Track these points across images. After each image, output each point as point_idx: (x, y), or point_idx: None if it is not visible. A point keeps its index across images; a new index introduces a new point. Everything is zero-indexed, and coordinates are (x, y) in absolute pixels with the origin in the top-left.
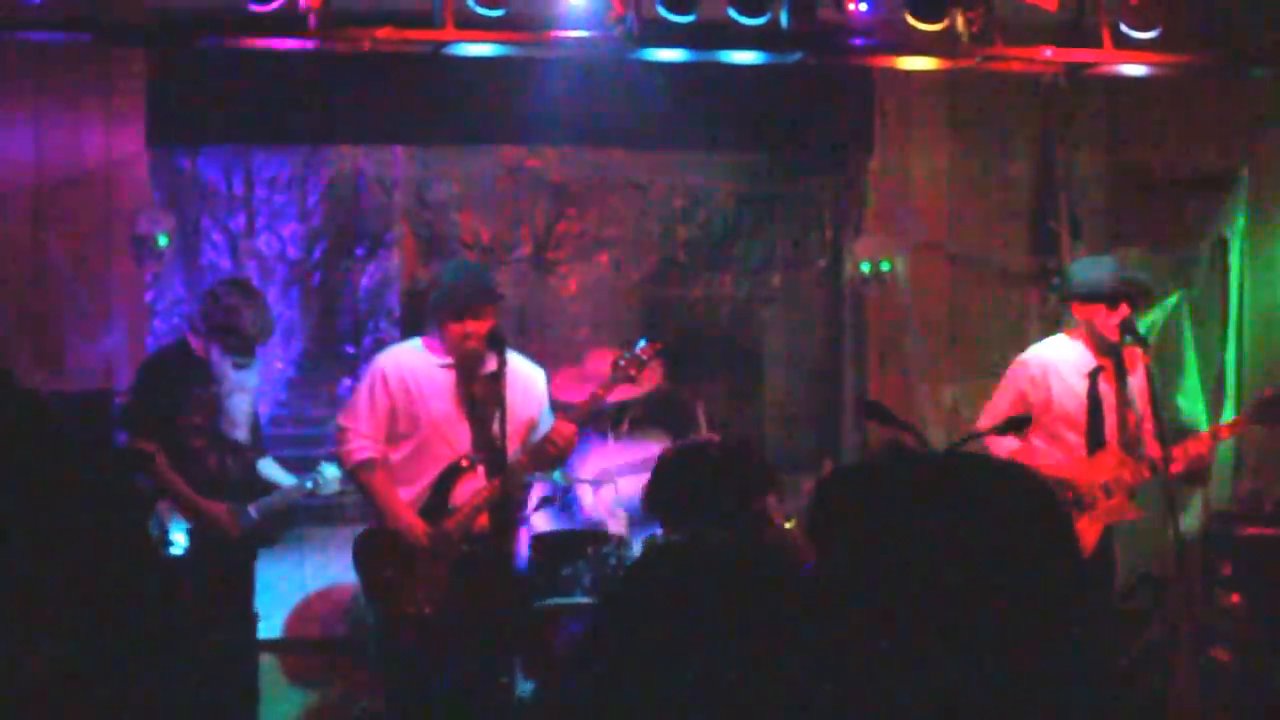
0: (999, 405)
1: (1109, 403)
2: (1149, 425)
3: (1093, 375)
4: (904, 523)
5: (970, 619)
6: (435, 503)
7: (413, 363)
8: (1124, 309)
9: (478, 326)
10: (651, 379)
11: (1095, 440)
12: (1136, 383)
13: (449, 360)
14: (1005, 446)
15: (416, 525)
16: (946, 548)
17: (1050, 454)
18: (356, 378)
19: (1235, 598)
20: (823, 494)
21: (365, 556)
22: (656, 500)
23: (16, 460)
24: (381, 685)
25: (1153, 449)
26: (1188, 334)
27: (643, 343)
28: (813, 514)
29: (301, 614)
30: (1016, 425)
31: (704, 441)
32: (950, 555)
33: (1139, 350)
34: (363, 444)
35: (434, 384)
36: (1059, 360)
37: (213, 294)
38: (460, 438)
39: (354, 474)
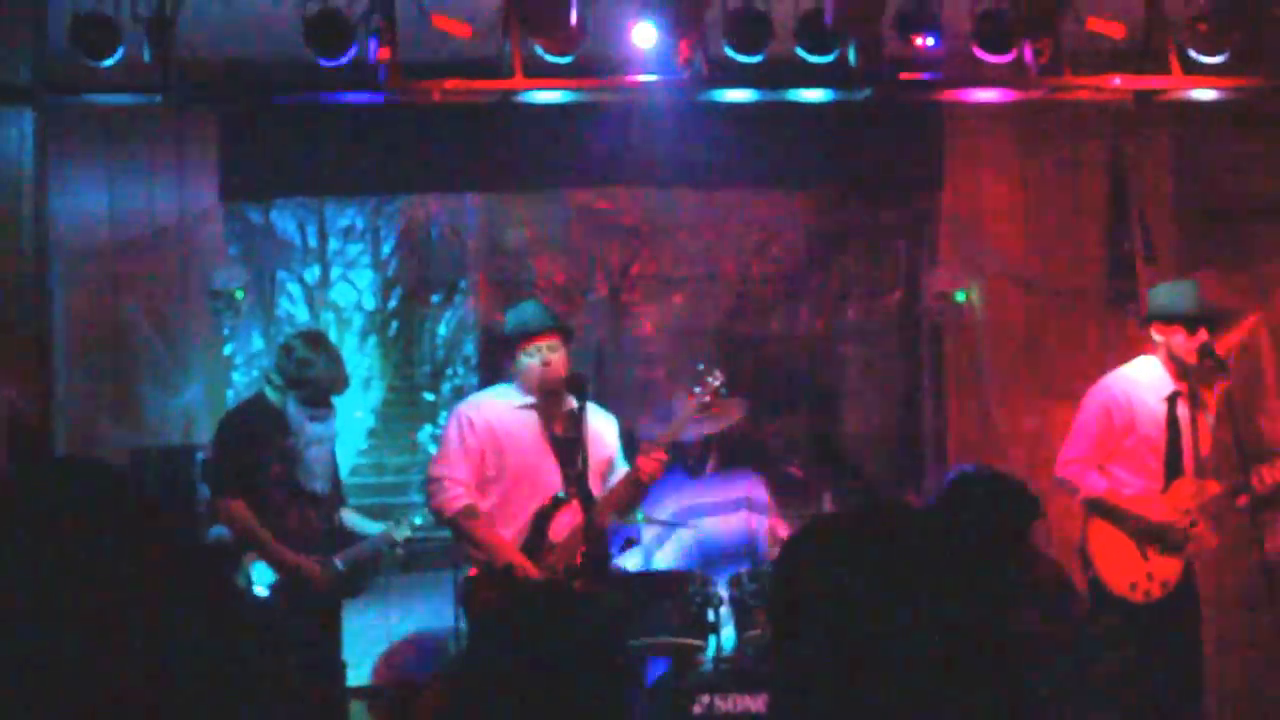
0: (1082, 431)
1: (1186, 428)
2: (1227, 450)
3: (1171, 399)
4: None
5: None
6: (533, 541)
7: (495, 406)
8: (1202, 333)
9: (553, 356)
10: (732, 415)
11: (1173, 466)
12: (1214, 407)
13: (529, 400)
14: (1093, 482)
15: (526, 564)
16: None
17: (1130, 483)
18: (436, 425)
19: None
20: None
21: (476, 599)
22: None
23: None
24: None
25: (1234, 474)
26: (1266, 356)
27: (715, 371)
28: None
29: (388, 661)
30: None
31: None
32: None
33: (1219, 374)
34: (459, 491)
35: (517, 425)
36: (1142, 382)
37: (286, 347)
38: (549, 476)
39: (455, 522)
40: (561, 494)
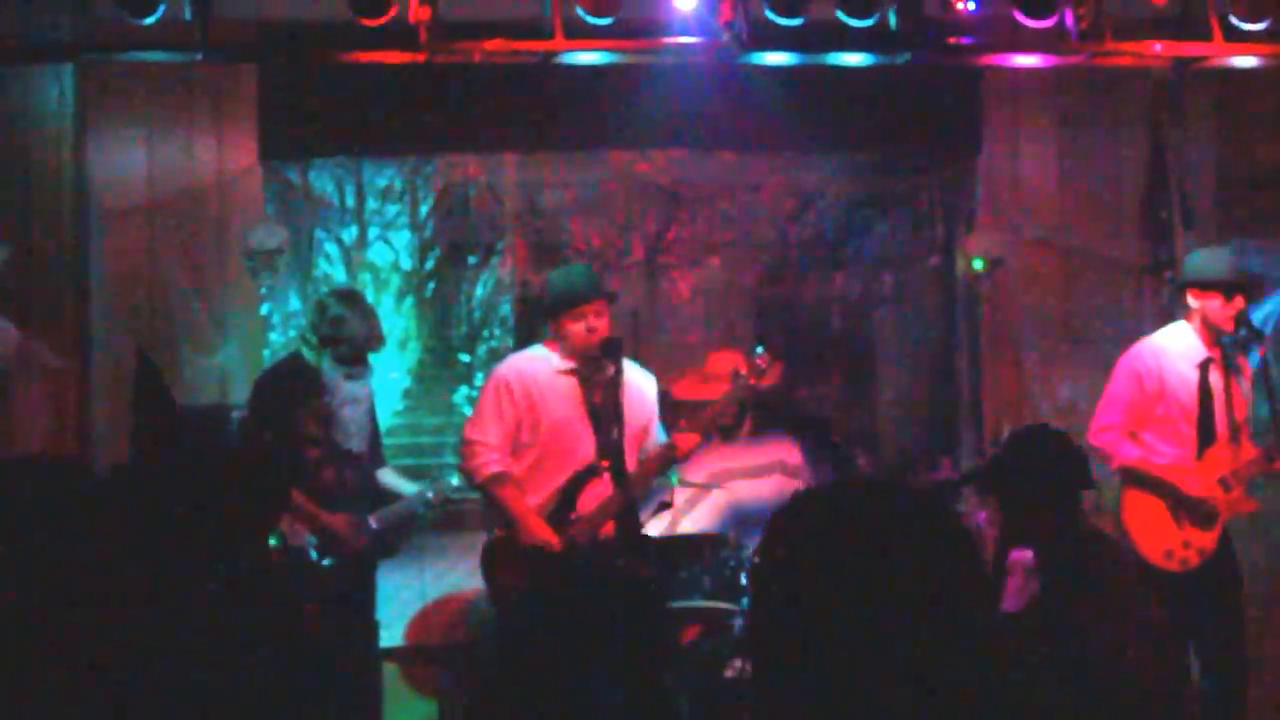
0: (1114, 396)
1: (1219, 394)
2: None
3: (1203, 366)
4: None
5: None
6: (561, 511)
7: (534, 370)
8: (1239, 300)
9: (599, 322)
10: (770, 379)
11: (1206, 432)
12: (1249, 374)
13: (570, 365)
14: (1127, 450)
15: (551, 538)
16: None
17: (1163, 451)
18: (472, 386)
19: None
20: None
21: (495, 566)
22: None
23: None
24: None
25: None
26: None
27: (760, 349)
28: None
29: (422, 622)
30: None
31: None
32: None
33: (1255, 341)
34: (492, 457)
35: (555, 391)
36: (1173, 350)
37: (320, 305)
38: (583, 445)
39: (485, 488)
40: (595, 464)
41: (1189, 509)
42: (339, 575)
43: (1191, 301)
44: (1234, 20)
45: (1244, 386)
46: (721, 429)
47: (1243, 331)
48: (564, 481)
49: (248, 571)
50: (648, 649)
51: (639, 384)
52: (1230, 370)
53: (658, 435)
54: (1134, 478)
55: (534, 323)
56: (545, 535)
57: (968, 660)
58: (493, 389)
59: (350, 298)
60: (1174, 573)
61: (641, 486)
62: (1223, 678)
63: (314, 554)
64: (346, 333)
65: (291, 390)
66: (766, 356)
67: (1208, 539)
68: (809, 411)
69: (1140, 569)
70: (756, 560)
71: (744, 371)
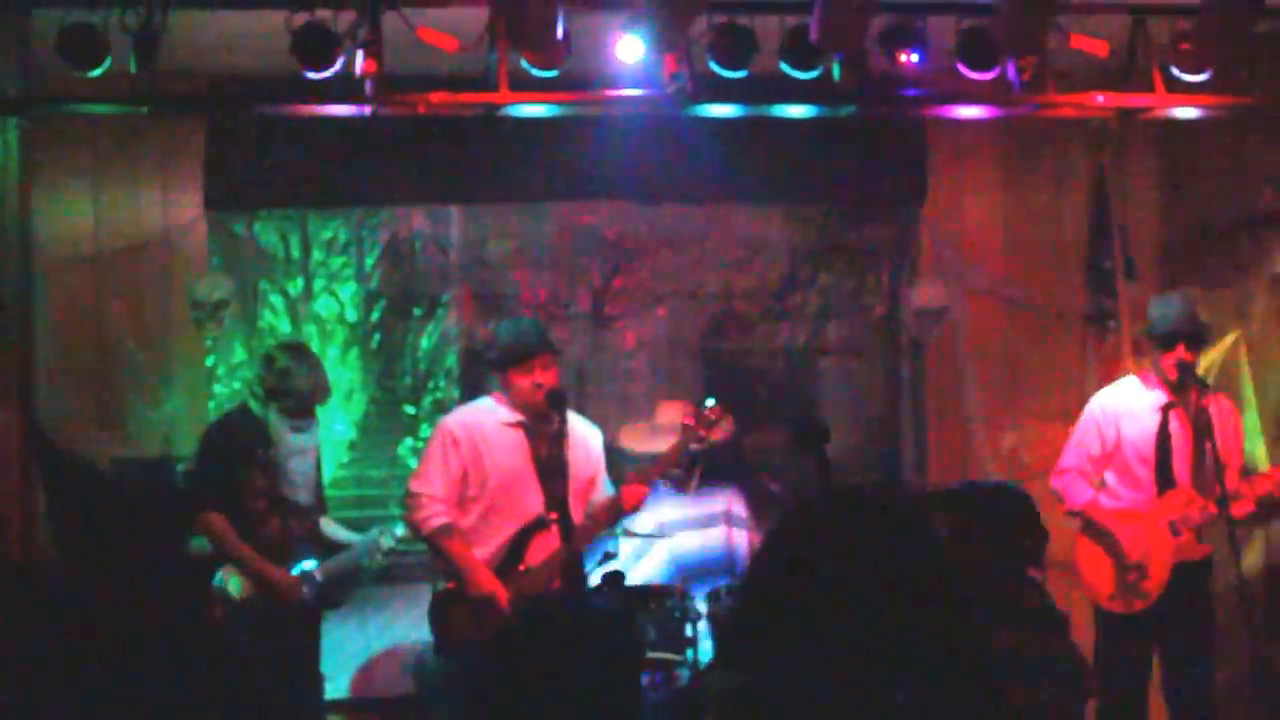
0: (1073, 443)
1: (1179, 440)
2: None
3: (1165, 410)
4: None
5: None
6: (508, 563)
7: (481, 423)
8: (1179, 349)
9: (546, 377)
10: (720, 431)
11: (1164, 476)
12: (1214, 420)
13: (517, 418)
14: (1079, 494)
15: (499, 590)
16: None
17: (1121, 494)
18: (417, 438)
19: None
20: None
21: (442, 617)
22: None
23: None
24: None
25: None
26: (1246, 373)
27: (710, 402)
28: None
29: (366, 674)
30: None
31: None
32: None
33: (1198, 390)
34: (438, 509)
35: (502, 444)
36: (1124, 401)
37: (267, 358)
38: (530, 497)
39: (431, 540)
40: (543, 517)
41: (1132, 557)
42: (284, 627)
43: (1146, 351)
44: (1175, 72)
45: (1221, 431)
46: (673, 480)
47: (1187, 380)
48: (511, 534)
49: (191, 627)
50: (627, 691)
51: (585, 436)
52: (1198, 416)
53: (605, 487)
54: (1083, 520)
55: (480, 375)
56: (492, 587)
57: (957, 664)
58: (439, 442)
59: (297, 350)
60: (1121, 614)
61: (589, 539)
62: (1185, 714)
63: (257, 605)
64: (293, 385)
65: (238, 443)
66: (717, 409)
67: (1149, 585)
68: (754, 462)
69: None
70: (752, 570)
71: (693, 424)
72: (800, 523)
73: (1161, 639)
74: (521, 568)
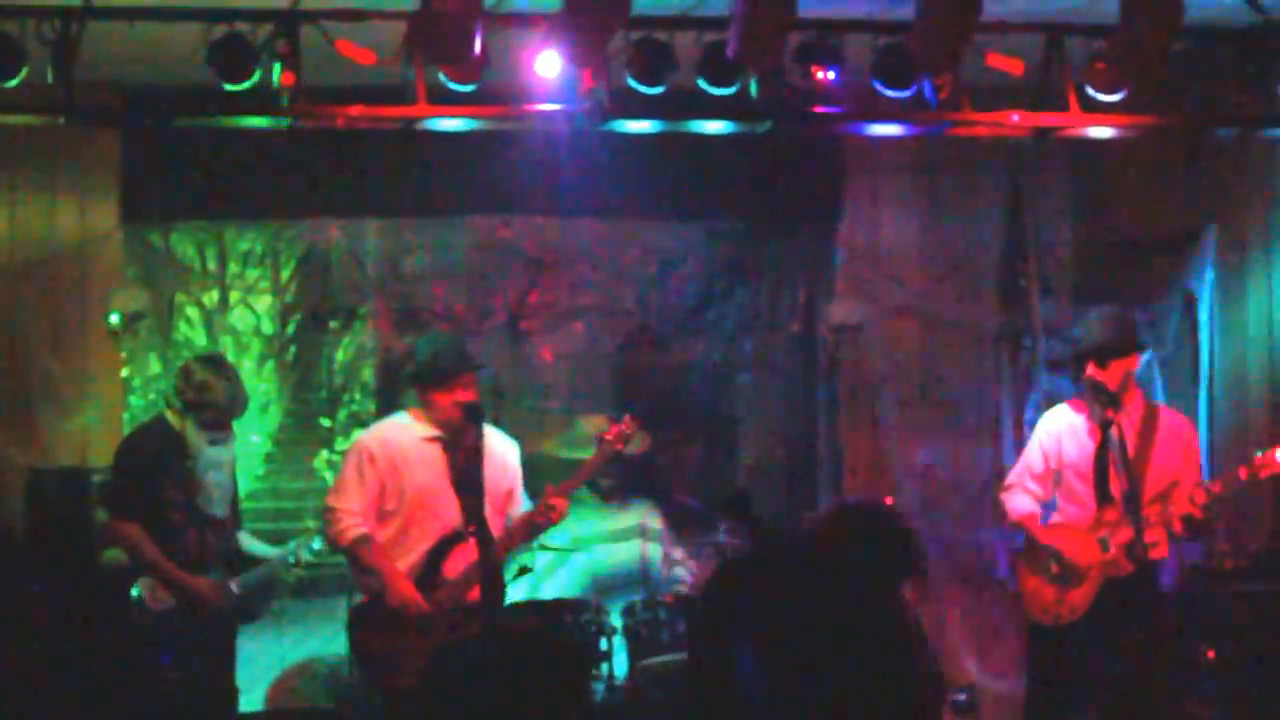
0: (1022, 457)
1: (1116, 456)
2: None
3: (1104, 427)
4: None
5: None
6: (427, 576)
7: (398, 438)
8: (1089, 367)
9: (467, 395)
10: (636, 445)
11: (1102, 492)
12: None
13: (434, 434)
14: (1018, 505)
15: (418, 598)
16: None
17: (1064, 509)
18: (333, 450)
19: (1211, 653)
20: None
21: (360, 629)
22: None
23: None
24: None
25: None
26: (1160, 392)
27: (626, 417)
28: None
29: (281, 687)
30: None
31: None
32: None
33: (1110, 407)
34: (354, 521)
35: (421, 458)
36: (1064, 421)
37: (185, 370)
38: (447, 511)
39: (350, 550)
40: (461, 529)
41: (1062, 567)
42: (199, 638)
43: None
44: (1090, 91)
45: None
46: (599, 491)
47: (1100, 398)
48: (429, 547)
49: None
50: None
51: (501, 450)
52: (1110, 433)
53: (522, 501)
54: (1022, 532)
55: (396, 388)
56: (413, 596)
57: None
58: (354, 457)
59: (215, 363)
60: (1048, 627)
61: (509, 551)
62: None
63: (174, 617)
64: (211, 398)
65: (154, 455)
66: (632, 423)
67: (1078, 596)
68: (670, 477)
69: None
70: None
71: (610, 438)
72: (733, 576)
73: (1094, 658)
74: (439, 580)
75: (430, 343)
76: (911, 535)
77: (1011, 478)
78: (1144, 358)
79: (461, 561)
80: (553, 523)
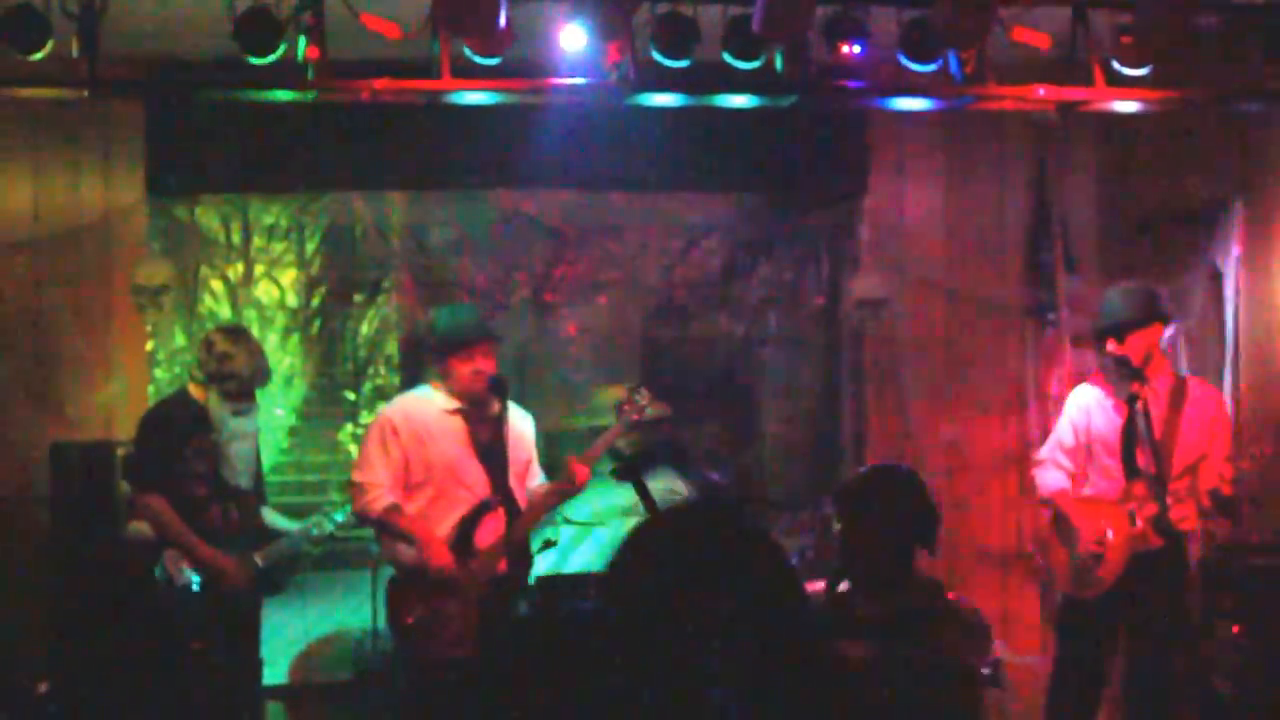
0: (1054, 433)
1: (1143, 429)
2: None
3: (1130, 401)
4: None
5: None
6: (460, 546)
7: (421, 410)
8: (1109, 342)
9: (486, 364)
10: (654, 414)
11: (1130, 466)
12: (1176, 408)
13: (456, 405)
14: (1049, 480)
15: (451, 562)
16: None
17: (1095, 482)
18: (358, 424)
19: (1236, 629)
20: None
21: (398, 602)
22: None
23: None
24: None
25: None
26: (1184, 366)
27: (642, 388)
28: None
29: (306, 660)
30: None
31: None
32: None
33: (1135, 380)
34: (382, 492)
35: (444, 431)
36: (1091, 396)
37: (207, 342)
38: (476, 481)
39: (382, 520)
40: (489, 500)
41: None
42: (223, 612)
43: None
44: (1116, 66)
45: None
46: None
47: (1123, 372)
48: (460, 518)
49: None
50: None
51: (518, 423)
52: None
53: (539, 473)
54: (1051, 507)
55: (420, 361)
56: (450, 559)
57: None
58: (377, 431)
59: (236, 334)
60: (1078, 599)
61: (536, 521)
62: (1139, 698)
63: (198, 590)
64: (233, 369)
65: (178, 427)
66: (647, 395)
67: (1107, 569)
68: (694, 450)
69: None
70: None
71: (626, 407)
72: (655, 531)
73: (1122, 632)
74: (472, 550)
75: (449, 313)
76: (934, 510)
77: (1043, 453)
78: (1169, 329)
79: (492, 533)
80: (577, 490)
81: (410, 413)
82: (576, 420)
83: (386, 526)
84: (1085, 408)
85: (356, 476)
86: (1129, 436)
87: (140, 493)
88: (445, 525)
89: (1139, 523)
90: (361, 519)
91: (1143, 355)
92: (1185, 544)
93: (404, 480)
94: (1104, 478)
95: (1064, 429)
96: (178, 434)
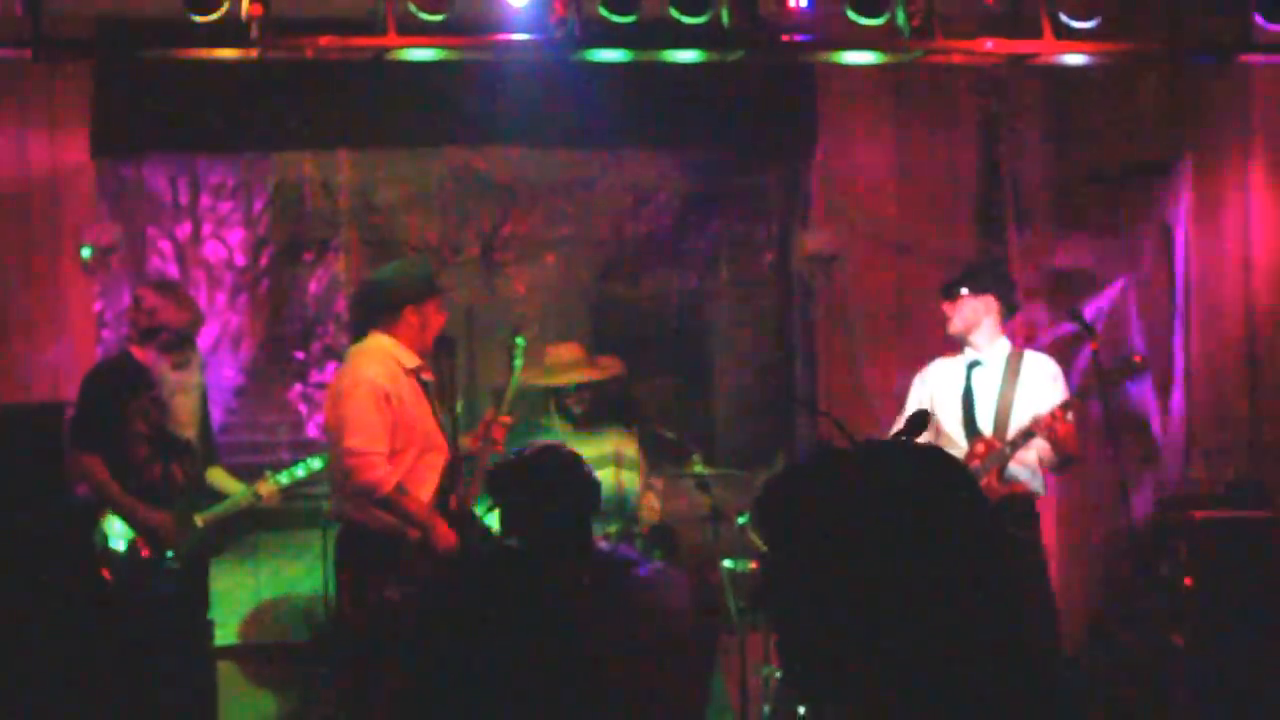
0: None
1: (981, 392)
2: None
3: (969, 367)
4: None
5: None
6: (442, 512)
7: (395, 374)
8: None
9: (439, 318)
10: (613, 367)
11: (970, 427)
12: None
13: (416, 364)
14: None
15: (455, 541)
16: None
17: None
18: (306, 384)
19: (1189, 581)
20: (765, 499)
21: (374, 576)
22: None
23: None
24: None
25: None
26: (1135, 319)
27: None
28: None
29: (257, 620)
30: (917, 425)
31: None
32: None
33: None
34: (389, 468)
35: (413, 392)
36: (937, 366)
37: (136, 298)
38: (439, 441)
39: (389, 501)
40: (455, 461)
41: None
42: (169, 574)
43: None
44: (1064, 18)
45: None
46: (571, 418)
47: (1076, 327)
48: (438, 483)
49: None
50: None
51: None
52: (1008, 368)
53: None
54: None
55: (369, 319)
56: (454, 539)
57: None
58: (370, 395)
59: (165, 287)
60: None
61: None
62: None
63: (138, 552)
64: (164, 321)
65: (116, 387)
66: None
67: None
68: (646, 407)
69: None
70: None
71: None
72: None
73: None
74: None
75: (405, 264)
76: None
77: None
78: (970, 303)
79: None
80: (501, 441)
81: (391, 376)
82: (527, 379)
83: (394, 507)
84: (925, 374)
85: (359, 445)
86: (967, 401)
87: (77, 452)
88: (424, 492)
89: (985, 476)
90: (366, 494)
91: (958, 327)
92: (1032, 508)
93: (390, 446)
94: (941, 441)
95: (910, 400)
96: (116, 394)
